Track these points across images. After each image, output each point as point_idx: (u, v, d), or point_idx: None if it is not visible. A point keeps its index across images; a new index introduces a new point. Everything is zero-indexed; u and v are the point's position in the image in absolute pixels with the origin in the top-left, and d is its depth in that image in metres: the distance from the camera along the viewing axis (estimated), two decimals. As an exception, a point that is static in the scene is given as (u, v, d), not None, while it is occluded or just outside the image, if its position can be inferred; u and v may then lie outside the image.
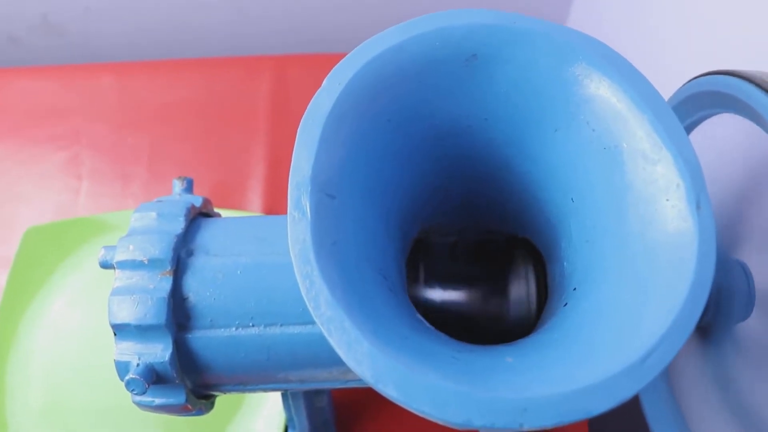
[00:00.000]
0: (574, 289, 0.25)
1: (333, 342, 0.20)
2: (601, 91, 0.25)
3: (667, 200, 0.22)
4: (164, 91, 0.58)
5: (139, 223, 0.31)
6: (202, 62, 0.60)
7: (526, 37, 0.25)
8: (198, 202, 0.34)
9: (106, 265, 0.31)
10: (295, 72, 0.58)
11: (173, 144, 0.56)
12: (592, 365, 0.19)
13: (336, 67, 0.25)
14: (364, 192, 0.25)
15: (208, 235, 0.32)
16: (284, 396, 0.41)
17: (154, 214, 0.31)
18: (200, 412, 0.33)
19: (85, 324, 0.49)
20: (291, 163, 0.23)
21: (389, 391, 0.19)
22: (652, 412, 0.41)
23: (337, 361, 0.30)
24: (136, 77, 0.59)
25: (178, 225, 0.31)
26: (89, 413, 0.47)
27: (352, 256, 0.23)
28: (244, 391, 0.33)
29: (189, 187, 0.36)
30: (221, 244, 0.31)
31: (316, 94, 0.24)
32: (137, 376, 0.28)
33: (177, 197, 0.34)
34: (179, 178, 0.35)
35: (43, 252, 0.51)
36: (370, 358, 0.20)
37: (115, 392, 0.46)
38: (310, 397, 0.41)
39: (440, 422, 0.19)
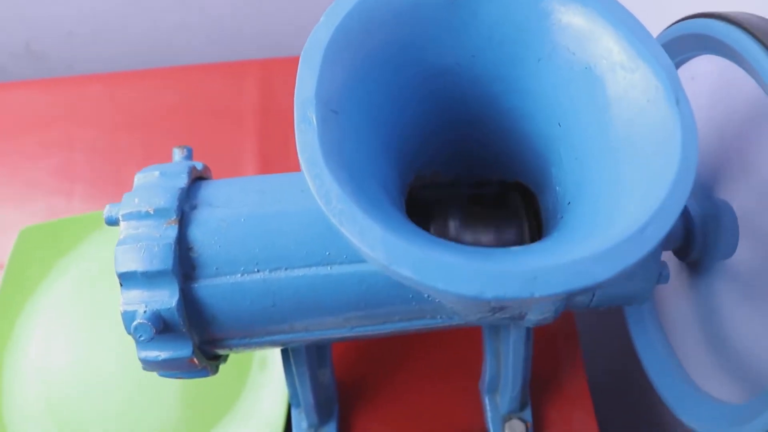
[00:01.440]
0: (568, 203, 0.26)
1: (346, 232, 0.21)
2: (576, 17, 0.26)
3: (648, 101, 0.24)
4: (152, 98, 0.59)
5: (143, 181, 0.32)
6: (189, 69, 0.62)
7: None
8: (199, 166, 0.35)
9: (111, 221, 0.31)
10: (280, 75, 0.60)
11: (165, 147, 0.57)
12: (596, 240, 0.20)
13: (331, 6, 0.26)
14: (365, 118, 0.26)
15: (210, 191, 0.32)
16: (288, 372, 0.41)
17: (157, 173, 0.32)
18: (205, 372, 0.33)
19: (82, 323, 0.48)
20: (295, 87, 0.24)
21: (404, 271, 0.20)
22: (641, 344, 0.42)
23: (340, 305, 0.31)
24: (123, 86, 0.60)
25: (181, 181, 0.32)
26: (85, 413, 0.46)
27: (357, 167, 0.23)
28: (249, 346, 0.33)
29: (189, 156, 0.36)
30: (224, 198, 0.32)
31: (314, 28, 0.26)
32: (145, 321, 0.28)
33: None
34: (179, 146, 0.36)
35: (37, 251, 0.51)
36: (383, 242, 0.20)
37: (111, 392, 0.46)
38: (315, 371, 0.41)
39: (454, 298, 0.20)
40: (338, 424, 0.44)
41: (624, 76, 0.25)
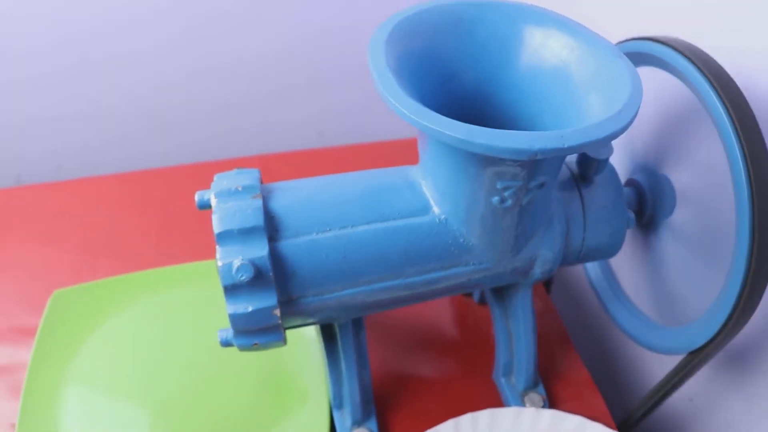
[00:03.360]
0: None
1: (440, 129, 0.29)
2: (537, 30, 0.39)
3: (602, 62, 0.35)
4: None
5: (224, 177, 0.39)
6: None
7: (489, 7, 0.39)
8: (259, 174, 0.43)
9: (202, 204, 0.38)
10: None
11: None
12: (594, 121, 0.31)
13: (386, 20, 0.37)
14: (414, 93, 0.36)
15: (278, 184, 0.40)
16: (336, 372, 0.45)
17: (234, 171, 0.40)
18: (279, 334, 0.38)
19: (115, 382, 0.50)
20: (369, 61, 0.34)
21: (479, 140, 0.29)
22: (603, 293, 0.51)
23: (395, 253, 0.38)
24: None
25: (256, 173, 0.39)
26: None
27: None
28: (320, 306, 0.38)
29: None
30: (291, 185, 0.40)
31: (375, 31, 0.36)
32: (246, 262, 0.34)
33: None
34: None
35: (70, 314, 0.53)
36: (463, 128, 0.29)
37: None
38: (359, 370, 0.45)
39: (511, 153, 0.28)
40: (377, 419, 0.47)
41: (579, 49, 0.37)
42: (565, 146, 0.29)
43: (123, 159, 0.92)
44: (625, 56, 0.35)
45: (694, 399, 0.57)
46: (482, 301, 0.56)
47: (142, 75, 0.85)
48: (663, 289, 0.50)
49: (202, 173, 0.69)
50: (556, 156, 0.30)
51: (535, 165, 0.33)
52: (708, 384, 0.54)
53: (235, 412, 0.48)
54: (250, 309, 0.36)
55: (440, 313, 0.56)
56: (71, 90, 0.85)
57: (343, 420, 0.47)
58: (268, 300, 0.36)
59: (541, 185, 0.35)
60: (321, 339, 0.46)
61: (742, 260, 0.38)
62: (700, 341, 0.43)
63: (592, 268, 0.54)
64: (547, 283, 0.61)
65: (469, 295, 0.57)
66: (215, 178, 0.38)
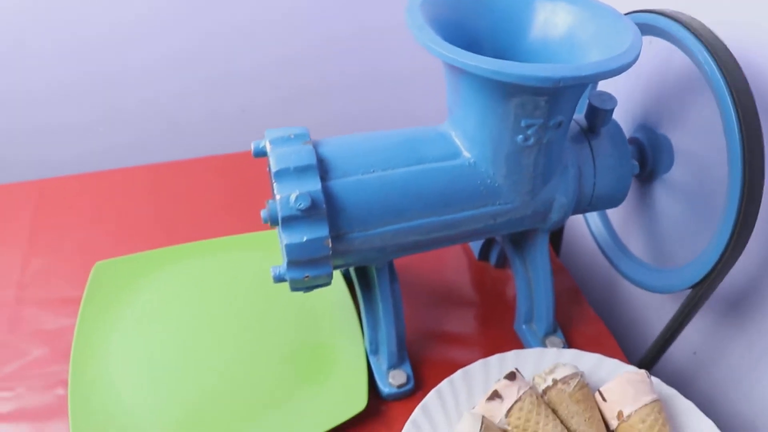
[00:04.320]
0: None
1: (480, 64, 0.34)
2: (555, 5, 0.45)
3: (614, 24, 0.41)
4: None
5: (276, 130, 0.44)
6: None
7: None
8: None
9: (258, 152, 0.42)
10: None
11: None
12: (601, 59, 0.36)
13: None
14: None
15: (325, 139, 0.45)
16: (372, 320, 0.49)
17: (282, 127, 0.44)
18: (328, 267, 0.42)
19: (153, 342, 0.53)
20: (407, 22, 0.40)
21: (513, 70, 0.34)
22: (608, 248, 0.56)
23: (432, 192, 0.43)
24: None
25: (305, 128, 0.44)
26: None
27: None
28: (366, 239, 0.42)
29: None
30: (338, 138, 0.45)
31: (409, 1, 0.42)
32: (304, 192, 0.39)
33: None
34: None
35: (110, 282, 0.57)
36: (498, 63, 0.34)
37: (178, 400, 0.50)
38: (395, 318, 0.49)
39: (538, 82, 0.34)
40: (410, 359, 0.51)
41: (583, 14, 0.42)
42: (582, 74, 0.34)
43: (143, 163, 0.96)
44: (624, 16, 0.41)
45: (697, 352, 0.61)
46: (498, 265, 0.61)
47: (160, 83, 0.90)
48: (661, 238, 0.55)
49: (226, 164, 0.74)
50: (575, 85, 0.35)
51: (554, 101, 0.38)
52: (709, 337, 0.59)
53: (274, 369, 0.51)
54: (305, 239, 0.40)
55: (461, 276, 0.61)
56: (93, 98, 0.90)
57: (380, 364, 0.50)
58: (321, 231, 0.40)
59: (559, 124, 0.41)
60: (359, 289, 0.50)
61: (733, 208, 0.43)
62: (697, 278, 0.48)
63: (596, 226, 0.59)
64: (557, 247, 0.65)
65: (487, 259, 0.61)
66: (266, 131, 0.43)
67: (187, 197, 0.70)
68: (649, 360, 0.55)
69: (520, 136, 0.41)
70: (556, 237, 0.67)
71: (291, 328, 0.54)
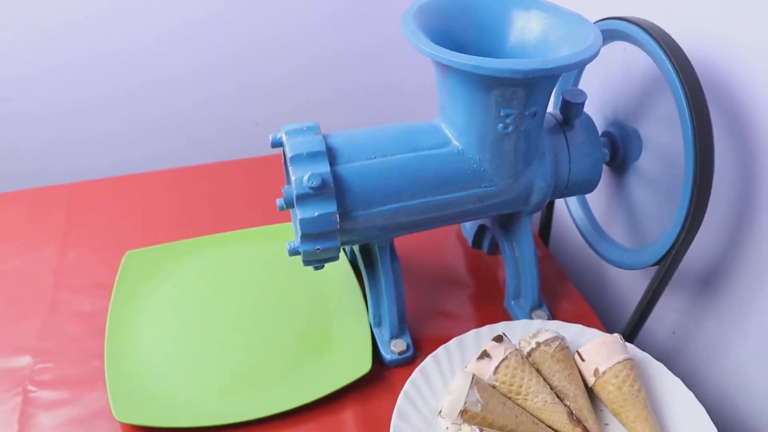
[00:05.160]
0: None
1: (461, 60, 0.41)
2: (529, 13, 0.51)
3: (573, 25, 0.48)
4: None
5: (290, 124, 0.50)
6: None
7: None
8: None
9: (276, 142, 0.49)
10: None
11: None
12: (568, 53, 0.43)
13: (411, 5, 0.50)
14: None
15: (333, 132, 0.51)
16: (377, 294, 0.55)
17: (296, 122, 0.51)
18: (336, 241, 0.48)
19: (180, 321, 0.59)
20: (402, 27, 0.46)
21: (491, 65, 0.40)
22: (587, 233, 0.62)
23: (426, 175, 0.49)
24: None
25: (316, 123, 0.51)
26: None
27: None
28: (368, 217, 0.49)
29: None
30: (344, 131, 0.51)
31: (407, 10, 0.49)
32: (317, 173, 0.45)
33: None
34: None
35: (139, 269, 0.63)
36: (477, 60, 0.41)
37: (202, 369, 0.56)
38: (396, 292, 0.55)
39: (511, 74, 0.40)
40: (410, 332, 0.57)
41: (554, 20, 0.49)
42: (548, 67, 0.41)
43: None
44: (588, 21, 0.48)
45: (676, 332, 0.66)
46: (490, 252, 0.67)
47: (178, 97, 0.98)
48: (635, 221, 0.61)
49: (241, 167, 0.81)
50: (543, 77, 0.42)
51: (528, 92, 0.45)
52: (685, 316, 0.64)
53: (289, 341, 0.57)
54: (316, 214, 0.46)
55: (457, 262, 0.67)
56: (116, 111, 0.97)
57: (383, 335, 0.56)
58: (329, 207, 0.46)
59: (534, 114, 0.47)
60: (363, 268, 0.56)
61: (687, 193, 0.50)
62: (659, 255, 0.53)
63: (577, 214, 0.65)
64: (546, 238, 0.71)
65: (480, 247, 0.67)
66: (282, 126, 0.49)
67: (207, 196, 0.76)
68: (629, 332, 0.60)
69: (500, 125, 0.47)
70: (545, 229, 0.73)
71: (303, 307, 0.60)
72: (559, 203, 0.75)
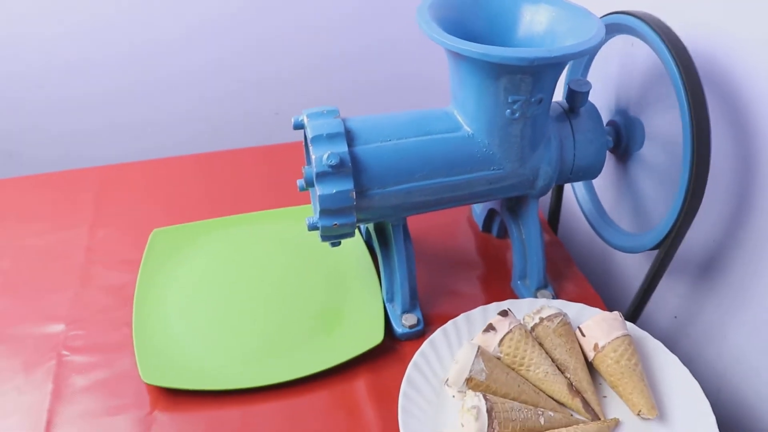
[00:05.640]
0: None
1: (474, 49, 0.44)
2: (537, 7, 0.54)
3: (578, 18, 0.50)
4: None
5: (311, 109, 0.53)
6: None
7: None
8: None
9: (298, 124, 0.52)
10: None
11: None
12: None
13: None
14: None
15: (351, 117, 0.55)
16: (390, 270, 0.58)
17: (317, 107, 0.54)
18: (352, 217, 0.51)
19: (201, 291, 0.63)
20: (417, 19, 0.50)
21: (499, 53, 0.43)
22: (593, 219, 0.65)
23: (437, 157, 0.52)
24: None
25: (336, 107, 0.54)
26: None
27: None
28: (383, 196, 0.52)
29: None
30: (361, 116, 0.54)
31: (422, 2, 0.52)
32: (335, 152, 0.48)
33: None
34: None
35: (165, 246, 0.67)
36: (486, 48, 0.44)
37: (224, 336, 0.60)
38: (408, 269, 0.58)
39: (518, 62, 0.43)
40: (421, 308, 0.60)
41: (561, 13, 0.52)
42: (551, 56, 0.44)
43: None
44: (593, 14, 0.51)
45: (678, 316, 0.69)
46: (499, 236, 0.70)
47: (202, 88, 1.02)
48: (638, 207, 0.63)
49: (262, 153, 0.85)
50: (548, 65, 0.45)
51: (535, 80, 0.48)
52: (686, 301, 0.67)
53: (307, 314, 0.60)
54: (334, 191, 0.50)
55: (467, 245, 0.70)
56: (143, 102, 1.01)
57: (395, 310, 0.59)
58: (347, 184, 0.50)
59: (540, 101, 0.50)
60: (377, 246, 0.59)
61: (685, 180, 0.52)
62: (659, 239, 0.56)
63: (584, 199, 0.68)
64: (554, 224, 0.74)
65: (489, 231, 0.70)
66: (303, 111, 0.53)
67: (229, 180, 0.80)
68: (631, 313, 0.63)
69: (508, 111, 0.50)
70: (554, 216, 0.75)
71: (320, 283, 0.63)
72: (569, 192, 0.78)
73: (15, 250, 0.69)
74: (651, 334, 0.71)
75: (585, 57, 0.63)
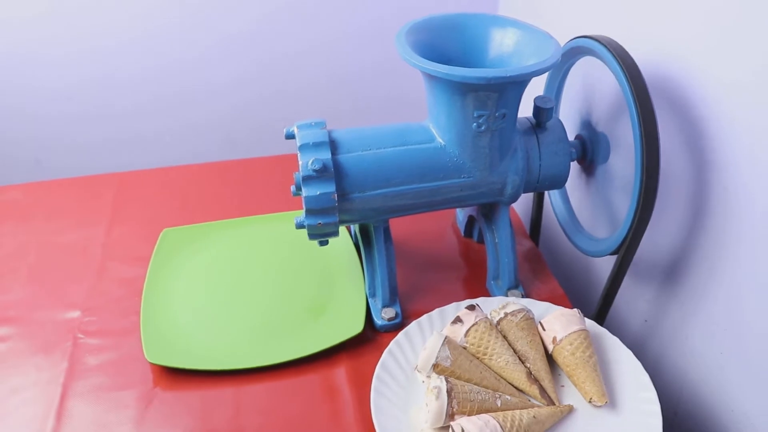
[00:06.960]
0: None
1: (438, 69, 0.50)
2: (498, 29, 0.60)
3: (540, 40, 0.56)
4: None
5: (302, 121, 0.60)
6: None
7: (470, 17, 0.61)
8: (321, 127, 0.63)
9: (289, 134, 0.59)
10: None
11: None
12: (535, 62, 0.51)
13: (405, 24, 0.59)
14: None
15: (337, 130, 0.61)
16: (372, 266, 0.64)
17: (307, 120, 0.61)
18: (334, 217, 0.57)
19: (205, 285, 0.70)
20: (396, 44, 0.56)
21: (460, 72, 0.49)
22: (567, 226, 0.70)
23: (413, 165, 0.58)
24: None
25: (323, 120, 0.60)
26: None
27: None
28: (363, 200, 0.58)
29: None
30: (345, 129, 0.61)
31: (399, 30, 0.58)
32: (319, 158, 0.55)
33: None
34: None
35: (174, 245, 0.74)
36: (449, 68, 0.50)
37: (224, 325, 0.66)
38: (389, 267, 0.64)
39: (475, 80, 0.49)
40: (400, 303, 0.65)
41: (526, 37, 0.58)
42: (507, 75, 0.50)
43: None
44: (553, 38, 0.56)
45: (648, 320, 0.73)
46: (480, 241, 0.75)
47: (217, 102, 1.09)
48: (606, 215, 0.69)
49: (268, 164, 0.91)
50: (507, 83, 0.51)
51: (498, 96, 0.54)
52: (654, 306, 0.71)
53: (297, 306, 0.67)
54: (318, 192, 0.56)
55: (449, 248, 0.75)
56: (160, 114, 1.09)
57: (376, 304, 0.65)
58: (329, 187, 0.56)
59: (504, 116, 0.56)
60: (362, 246, 0.65)
61: (636, 191, 0.57)
62: (616, 244, 0.61)
63: (558, 207, 0.73)
64: (535, 232, 0.79)
65: (470, 236, 0.76)
66: (295, 123, 0.59)
67: (237, 187, 0.87)
68: (597, 314, 0.68)
69: (475, 124, 0.56)
70: (536, 224, 0.81)
71: (312, 278, 0.70)
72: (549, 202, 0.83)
73: (40, 245, 0.77)
74: (622, 338, 0.76)
75: (549, 75, 0.69)
